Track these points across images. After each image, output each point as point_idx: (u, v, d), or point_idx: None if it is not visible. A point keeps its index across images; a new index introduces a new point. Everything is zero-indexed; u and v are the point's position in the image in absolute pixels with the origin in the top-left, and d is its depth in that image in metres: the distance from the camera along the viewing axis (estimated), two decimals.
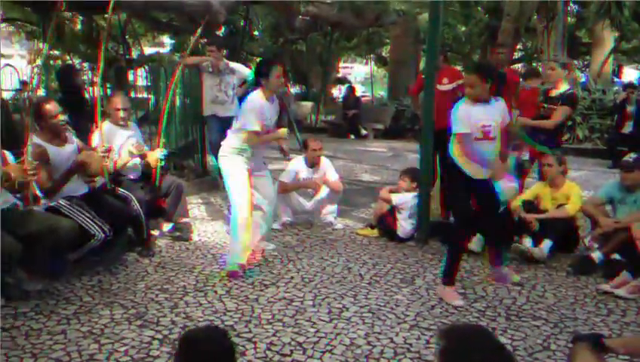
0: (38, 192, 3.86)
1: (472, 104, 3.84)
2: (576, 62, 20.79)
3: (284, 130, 4.48)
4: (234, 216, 4.26)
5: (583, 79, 13.23)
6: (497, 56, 5.99)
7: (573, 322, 3.53)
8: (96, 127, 4.61)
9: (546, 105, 5.34)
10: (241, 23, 13.51)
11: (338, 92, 21.51)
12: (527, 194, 5.00)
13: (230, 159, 4.30)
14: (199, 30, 5.29)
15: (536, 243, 4.59)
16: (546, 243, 4.53)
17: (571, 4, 16.28)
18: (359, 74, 32.63)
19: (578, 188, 4.96)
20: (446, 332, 1.62)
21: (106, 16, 4.79)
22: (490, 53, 6.04)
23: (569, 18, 16.04)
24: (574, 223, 4.86)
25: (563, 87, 5.38)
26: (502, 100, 4.02)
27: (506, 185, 5.09)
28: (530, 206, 4.83)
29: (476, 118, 3.80)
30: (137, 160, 4.78)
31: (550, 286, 4.12)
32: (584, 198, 5.07)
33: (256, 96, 4.26)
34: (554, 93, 5.43)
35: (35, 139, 4.02)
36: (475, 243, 4.82)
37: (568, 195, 4.79)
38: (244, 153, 4.29)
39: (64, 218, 3.90)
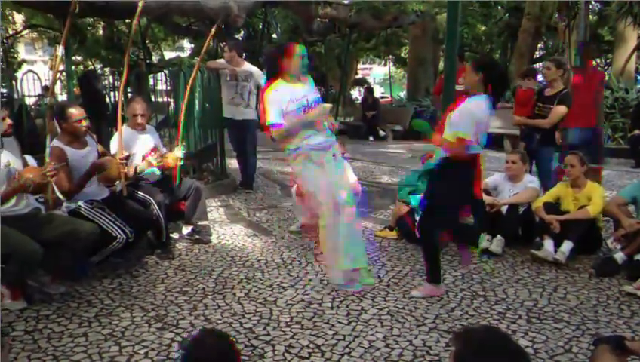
0: (58, 194, 3.91)
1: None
2: (599, 60, 20.54)
3: (327, 105, 4.10)
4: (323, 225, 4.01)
5: (607, 78, 13.01)
6: None
7: (596, 324, 3.47)
8: (117, 131, 4.66)
9: (540, 105, 5.38)
10: (260, 26, 13.59)
11: (357, 93, 21.49)
12: (548, 195, 4.94)
13: (297, 167, 4.08)
14: (212, 31, 5.28)
15: (558, 244, 4.53)
16: (567, 245, 4.46)
17: (593, 2, 16.06)
18: (378, 75, 32.54)
19: (600, 188, 4.88)
20: (460, 335, 1.60)
21: (128, 21, 4.85)
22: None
23: (591, 16, 15.81)
24: (596, 224, 4.79)
25: (558, 87, 5.40)
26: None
27: (527, 186, 5.06)
28: (552, 207, 4.77)
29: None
30: (156, 170, 4.79)
31: (572, 287, 4.06)
32: (607, 199, 4.99)
33: (274, 87, 3.97)
34: (549, 92, 5.45)
35: (54, 141, 4.09)
36: (496, 244, 4.78)
37: (590, 196, 4.72)
38: (298, 150, 3.97)
39: (85, 221, 3.96)
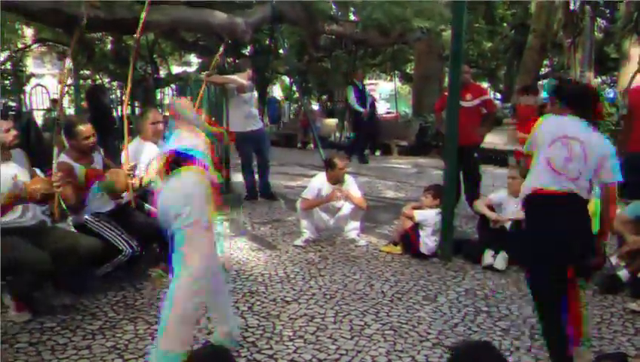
0: (64, 207, 3.94)
1: None
2: (604, 77, 20.57)
3: None
4: None
5: (611, 95, 13.02)
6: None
7: (599, 341, 3.46)
8: (124, 145, 4.71)
9: None
10: (267, 42, 13.70)
11: None
12: None
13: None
14: (221, 48, 5.37)
15: None
16: None
17: (598, 20, 16.12)
18: (384, 90, 32.65)
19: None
20: (454, 349, 1.61)
21: (134, 36, 4.94)
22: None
23: (596, 33, 15.87)
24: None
25: None
26: None
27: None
28: None
29: None
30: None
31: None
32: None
33: None
34: None
35: (62, 157, 4.13)
36: (500, 260, 4.78)
37: (594, 213, 4.71)
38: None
39: (87, 236, 3.98)
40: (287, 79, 22.00)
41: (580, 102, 3.23)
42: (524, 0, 17.17)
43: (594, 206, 3.79)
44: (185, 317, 2.84)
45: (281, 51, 13.99)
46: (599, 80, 17.38)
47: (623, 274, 4.28)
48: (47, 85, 13.08)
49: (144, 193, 4.71)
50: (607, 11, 16.59)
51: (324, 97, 20.70)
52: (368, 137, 12.40)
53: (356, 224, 5.67)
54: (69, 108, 13.40)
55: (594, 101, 3.30)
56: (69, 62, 4.59)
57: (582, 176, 3.06)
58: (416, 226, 5.20)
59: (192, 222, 2.86)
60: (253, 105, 7.23)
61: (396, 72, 21.41)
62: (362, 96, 11.36)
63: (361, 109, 11.21)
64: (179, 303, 2.83)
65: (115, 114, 8.53)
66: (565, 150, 3.05)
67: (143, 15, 4.53)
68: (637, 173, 4.84)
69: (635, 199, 4.78)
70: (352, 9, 13.44)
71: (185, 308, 2.83)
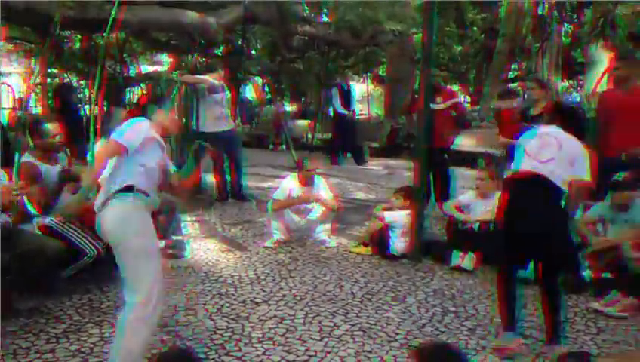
0: (31, 209, 3.86)
1: None
2: (571, 82, 20.98)
3: None
4: None
5: (578, 98, 13.32)
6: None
7: (563, 341, 3.51)
8: (92, 144, 4.64)
9: (526, 125, 5.43)
10: (239, 42, 13.63)
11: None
12: None
13: None
14: (194, 50, 5.34)
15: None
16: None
17: (566, 25, 16.44)
18: (356, 92, 32.80)
19: None
20: (416, 350, 1.63)
21: (104, 35, 4.88)
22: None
23: (563, 38, 16.18)
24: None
25: (540, 106, 5.51)
26: None
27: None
28: None
29: None
30: None
31: (540, 304, 4.11)
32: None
33: None
34: (534, 112, 5.55)
35: (26, 156, 4.05)
36: (468, 261, 4.84)
37: None
38: None
39: (51, 239, 3.91)
40: (260, 80, 21.93)
41: (569, 120, 3.55)
42: (494, 0, 17.41)
43: None
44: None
45: (253, 52, 13.95)
46: (566, 84, 17.73)
47: (587, 274, 4.37)
48: (12, 84, 12.81)
49: None
50: (574, 16, 16.91)
51: (303, 99, 20.74)
52: (347, 140, 12.47)
53: (327, 225, 5.68)
54: (36, 107, 13.14)
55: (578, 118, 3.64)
56: (37, 64, 4.50)
57: (554, 161, 3.28)
58: (387, 227, 5.23)
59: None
60: (225, 106, 7.19)
61: (368, 73, 21.52)
62: (348, 98, 11.43)
63: (345, 112, 11.28)
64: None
65: (82, 113, 8.39)
66: (540, 141, 3.39)
67: (115, 14, 4.47)
68: (603, 176, 4.96)
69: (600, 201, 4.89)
70: (324, 10, 13.48)
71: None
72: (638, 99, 4.98)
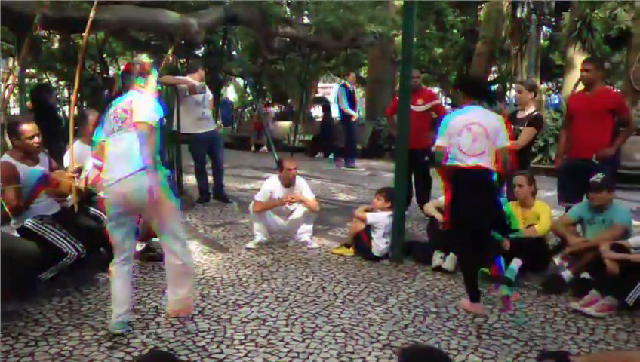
0: (7, 212, 3.81)
1: None
2: (550, 84, 21.26)
3: None
4: None
5: (556, 100, 13.49)
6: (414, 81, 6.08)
7: (543, 340, 3.56)
8: (69, 146, 4.58)
9: (513, 127, 5.49)
10: (220, 43, 13.58)
11: (316, 111, 21.65)
12: None
13: None
14: (171, 49, 5.31)
15: (507, 262, 4.64)
16: (516, 263, 4.58)
17: (544, 28, 16.66)
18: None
19: (548, 208, 5.05)
20: (402, 352, 1.64)
21: (83, 35, 4.82)
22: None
23: (542, 41, 16.39)
24: (544, 243, 4.95)
25: (530, 109, 5.55)
26: None
27: None
28: None
29: None
30: None
31: (521, 304, 4.16)
32: (554, 218, 5.16)
33: None
34: (521, 114, 5.60)
35: (5, 157, 3.99)
36: (449, 261, 4.87)
37: (538, 215, 4.87)
38: None
39: (26, 241, 3.85)
40: (241, 81, 21.87)
41: (474, 90, 4.18)
42: (475, 0, 17.57)
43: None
44: None
45: (234, 52, 13.90)
46: (545, 86, 17.96)
47: (566, 274, 4.43)
48: None
49: (89, 196, 4.60)
50: (553, 20, 17.14)
51: (289, 100, 20.73)
52: (328, 141, 12.46)
53: (309, 226, 5.68)
54: (14, 107, 12.94)
55: (484, 87, 4.05)
56: (16, 64, 4.44)
57: (486, 152, 3.86)
58: (368, 228, 5.25)
59: None
60: (206, 107, 7.15)
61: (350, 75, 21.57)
62: (353, 99, 11.40)
63: (353, 112, 11.28)
64: None
65: (60, 114, 8.31)
66: (470, 135, 3.87)
67: (91, 14, 4.43)
68: (575, 178, 5.03)
69: (573, 203, 4.97)
70: (305, 12, 13.48)
71: None
72: (602, 101, 5.07)
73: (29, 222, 4.03)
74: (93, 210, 4.52)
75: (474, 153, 3.85)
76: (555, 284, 4.44)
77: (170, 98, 7.10)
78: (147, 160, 3.23)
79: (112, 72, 15.78)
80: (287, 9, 12.99)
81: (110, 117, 3.38)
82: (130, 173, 3.23)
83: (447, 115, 4.27)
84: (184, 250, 3.49)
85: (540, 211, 4.91)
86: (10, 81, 5.95)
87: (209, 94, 7.30)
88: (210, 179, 7.41)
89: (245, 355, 3.28)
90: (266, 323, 3.74)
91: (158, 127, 3.32)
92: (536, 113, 5.54)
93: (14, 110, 12.74)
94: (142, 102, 3.33)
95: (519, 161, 5.38)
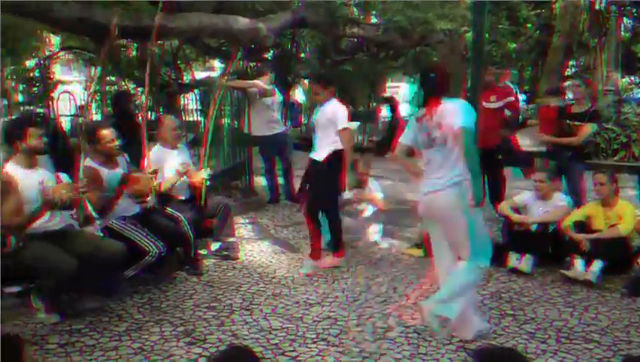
0: (92, 213, 4.01)
1: None
2: (632, 77, 20.18)
3: None
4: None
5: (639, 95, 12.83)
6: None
7: (628, 345, 3.40)
8: (146, 150, 4.79)
9: (569, 122, 5.38)
10: (289, 46, 13.75)
11: (384, 111, 21.53)
12: (578, 214, 4.88)
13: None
14: (240, 53, 5.46)
15: (588, 263, 4.46)
16: (598, 264, 4.39)
17: (625, 19, 15.85)
18: (408, 93, 32.53)
19: (632, 207, 4.80)
20: (477, 353, 1.60)
21: (158, 42, 5.05)
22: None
23: (623, 33, 15.59)
24: (628, 243, 4.71)
25: (586, 104, 5.43)
26: None
27: (557, 204, 5.00)
28: (582, 226, 4.71)
29: None
30: (185, 178, 4.90)
31: (603, 307, 3.99)
32: (639, 218, 4.90)
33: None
34: (577, 109, 5.45)
35: (88, 162, 4.20)
36: (526, 263, 4.73)
37: (621, 215, 4.65)
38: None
39: (111, 240, 4.05)
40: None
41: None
42: (548, 0, 16.95)
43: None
44: None
45: (303, 55, 14.05)
46: (626, 80, 17.07)
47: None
48: (74, 92, 13.29)
49: (166, 198, 4.78)
50: (634, 10, 16.28)
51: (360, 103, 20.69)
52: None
53: (378, 227, 5.66)
54: (96, 114, 13.60)
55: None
56: (96, 72, 4.70)
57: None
58: None
59: None
60: (276, 110, 7.27)
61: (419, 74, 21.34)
62: None
63: None
64: None
65: (139, 119, 8.62)
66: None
67: (158, 21, 4.62)
68: None
69: None
70: (373, 12, 13.41)
71: None
72: None
73: (112, 222, 4.23)
74: (170, 210, 4.69)
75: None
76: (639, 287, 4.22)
77: (241, 102, 7.27)
78: None
79: (186, 78, 16.27)
80: (355, 9, 12.96)
81: None
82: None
83: None
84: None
85: (623, 210, 4.68)
86: (94, 89, 6.25)
87: (278, 97, 7.40)
88: (280, 180, 7.52)
89: (318, 354, 3.31)
90: (338, 323, 3.76)
91: None
92: (594, 108, 5.49)
93: (96, 116, 13.39)
94: None
95: (578, 157, 5.36)
